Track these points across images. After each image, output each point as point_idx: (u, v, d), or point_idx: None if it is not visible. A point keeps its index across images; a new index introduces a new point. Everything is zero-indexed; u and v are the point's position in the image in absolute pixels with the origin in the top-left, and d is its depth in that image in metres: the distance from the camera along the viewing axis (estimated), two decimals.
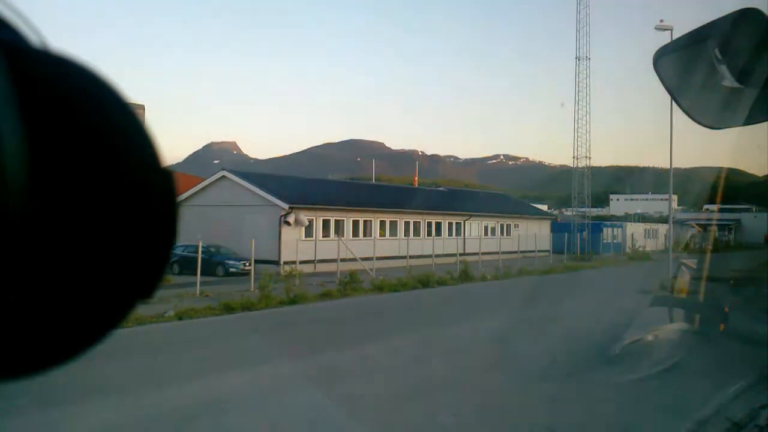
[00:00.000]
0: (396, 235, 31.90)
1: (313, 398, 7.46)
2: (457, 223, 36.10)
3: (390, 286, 20.17)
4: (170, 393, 7.51)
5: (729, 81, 1.32)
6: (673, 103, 1.55)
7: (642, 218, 74.49)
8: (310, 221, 27.29)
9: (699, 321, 9.15)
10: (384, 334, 12.19)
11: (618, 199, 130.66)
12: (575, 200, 45.77)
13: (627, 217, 74.15)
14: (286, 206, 26.09)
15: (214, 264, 23.57)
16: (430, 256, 30.11)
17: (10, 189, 0.39)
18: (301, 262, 23.39)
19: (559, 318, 13.68)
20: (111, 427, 6.36)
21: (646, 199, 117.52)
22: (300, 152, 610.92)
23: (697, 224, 50.02)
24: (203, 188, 29.31)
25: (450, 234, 35.30)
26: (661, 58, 1.52)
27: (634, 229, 50.94)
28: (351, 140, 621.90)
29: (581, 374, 8.59)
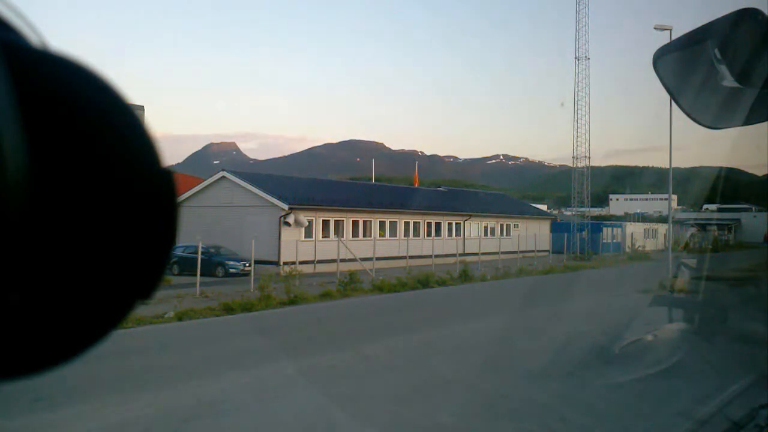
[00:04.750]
0: (396, 236, 31.89)
1: (313, 398, 7.46)
2: (456, 223, 36.10)
3: (390, 287, 20.16)
4: (170, 393, 7.50)
5: (729, 81, 1.32)
6: (673, 103, 1.55)
7: (641, 218, 74.49)
8: (310, 222, 27.28)
9: (699, 321, 9.14)
10: (384, 333, 12.18)
11: (617, 199, 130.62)
12: (575, 200, 45.76)
13: (626, 217, 74.13)
14: (285, 207, 26.08)
15: (214, 264, 23.55)
16: (429, 256, 30.11)
17: (10, 189, 0.38)
18: (301, 263, 23.39)
19: (558, 318, 13.68)
20: (111, 427, 6.36)
21: (646, 199, 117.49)
22: (300, 152, 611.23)
23: (696, 224, 50.08)
24: (203, 189, 29.30)
25: (450, 234, 35.29)
26: (660, 58, 1.52)
27: (634, 229, 50.91)
28: (351, 140, 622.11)
29: (581, 374, 8.59)
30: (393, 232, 32.07)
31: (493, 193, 52.91)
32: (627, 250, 44.42)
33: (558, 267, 30.53)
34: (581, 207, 46.44)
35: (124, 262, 0.46)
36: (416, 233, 33.14)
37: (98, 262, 0.45)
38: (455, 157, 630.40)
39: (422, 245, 31.79)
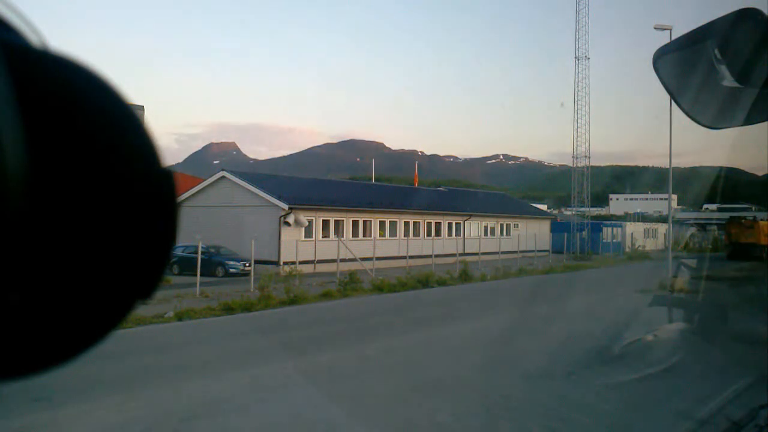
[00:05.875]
0: (396, 236, 31.89)
1: (312, 398, 7.46)
2: (456, 223, 36.10)
3: (389, 287, 20.16)
4: (170, 393, 7.51)
5: (729, 81, 1.32)
6: (673, 102, 1.55)
7: (641, 218, 74.53)
8: (310, 221, 27.28)
9: (699, 321, 9.16)
10: (384, 333, 12.19)
11: (617, 199, 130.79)
12: (575, 200, 45.80)
13: (626, 217, 74.20)
14: (285, 207, 26.08)
15: (214, 264, 23.55)
16: (429, 256, 30.10)
17: (10, 189, 0.38)
18: (301, 263, 23.39)
19: (559, 317, 13.68)
20: (111, 427, 6.36)
21: (646, 199, 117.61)
22: (300, 152, 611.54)
23: (696, 224, 50.13)
24: (203, 189, 29.29)
25: (450, 234, 35.30)
26: (660, 58, 1.52)
27: (634, 229, 50.94)
28: (351, 140, 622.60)
29: (581, 374, 8.59)
30: (393, 232, 32.07)
31: (493, 193, 52.92)
32: (627, 249, 44.45)
33: (558, 267, 30.54)
34: (581, 207, 46.49)
35: (124, 262, 0.46)
36: (416, 233, 33.14)
37: (98, 262, 0.45)
38: (455, 157, 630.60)
39: (422, 245, 31.79)
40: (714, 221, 53.90)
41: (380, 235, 30.58)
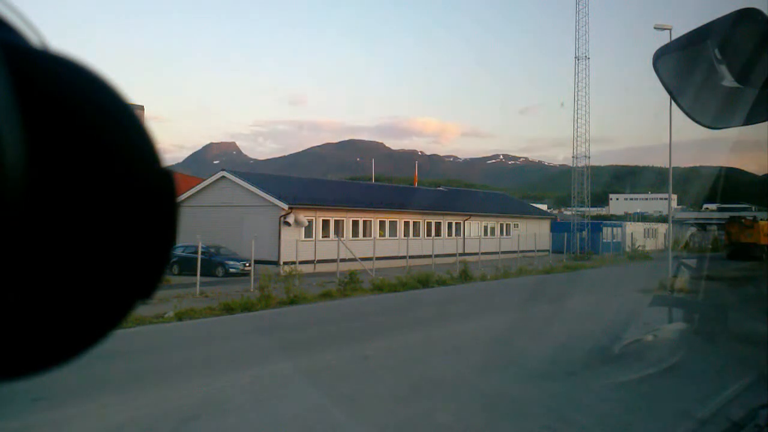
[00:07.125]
0: (396, 235, 31.89)
1: (313, 398, 7.45)
2: (456, 223, 36.10)
3: (390, 286, 20.15)
4: (170, 393, 7.50)
5: (729, 81, 1.32)
6: (673, 102, 1.55)
7: (641, 217, 74.57)
8: (310, 221, 27.28)
9: (699, 321, 9.16)
10: (384, 333, 12.18)
11: (617, 199, 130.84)
12: (575, 200, 45.80)
13: (626, 217, 74.21)
14: (285, 207, 26.08)
15: (214, 264, 23.55)
16: (429, 256, 30.11)
17: (9, 189, 0.38)
18: (301, 263, 23.38)
19: (559, 317, 13.68)
20: (111, 427, 6.36)
21: (646, 199, 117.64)
22: (300, 152, 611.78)
23: (696, 224, 50.13)
24: (203, 189, 29.29)
25: (450, 234, 35.30)
26: (660, 58, 1.52)
27: (634, 229, 50.92)
28: (351, 140, 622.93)
29: (582, 373, 8.59)
30: (393, 232, 32.07)
31: (493, 193, 52.92)
32: (627, 249, 44.41)
33: (558, 267, 30.52)
34: (581, 207, 46.48)
35: (125, 262, 0.46)
36: (416, 233, 33.15)
37: (98, 262, 0.45)
38: (455, 157, 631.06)
39: (422, 245, 31.79)
40: (714, 221, 53.85)
41: (380, 235, 30.58)
